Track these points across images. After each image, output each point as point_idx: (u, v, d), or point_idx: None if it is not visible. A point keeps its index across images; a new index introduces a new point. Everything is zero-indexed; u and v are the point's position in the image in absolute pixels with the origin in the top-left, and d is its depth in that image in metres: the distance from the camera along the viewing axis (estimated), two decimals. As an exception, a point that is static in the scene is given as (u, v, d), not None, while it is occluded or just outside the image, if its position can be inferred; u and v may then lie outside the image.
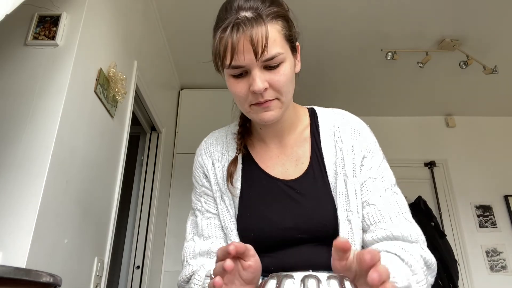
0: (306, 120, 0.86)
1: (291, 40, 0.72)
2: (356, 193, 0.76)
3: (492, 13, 2.51)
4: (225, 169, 0.83)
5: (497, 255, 3.29)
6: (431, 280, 0.68)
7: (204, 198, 0.85)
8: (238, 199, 0.80)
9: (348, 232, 0.74)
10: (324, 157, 0.80)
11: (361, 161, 0.79)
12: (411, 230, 0.72)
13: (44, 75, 1.35)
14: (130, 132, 2.03)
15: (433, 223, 3.08)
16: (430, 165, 3.64)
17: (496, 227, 3.38)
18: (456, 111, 3.78)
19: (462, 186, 3.54)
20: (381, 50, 2.83)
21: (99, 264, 1.61)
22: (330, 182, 0.78)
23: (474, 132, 3.75)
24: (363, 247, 0.77)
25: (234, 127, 0.90)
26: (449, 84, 3.33)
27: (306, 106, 0.90)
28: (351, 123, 0.84)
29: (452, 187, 3.55)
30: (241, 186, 0.81)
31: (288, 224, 0.75)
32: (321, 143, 0.81)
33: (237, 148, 0.84)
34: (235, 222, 0.79)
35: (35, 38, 1.40)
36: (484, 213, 3.43)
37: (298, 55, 0.78)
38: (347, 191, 0.76)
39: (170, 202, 2.98)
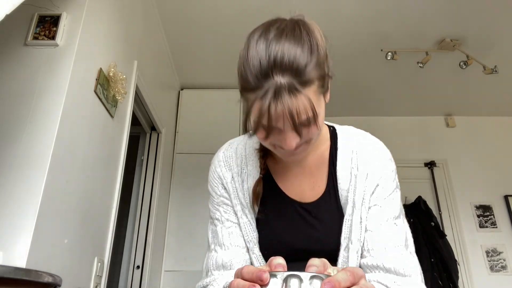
0: (327, 140, 0.84)
1: (325, 89, 0.69)
2: (361, 222, 0.76)
3: (492, 13, 2.51)
4: (245, 184, 0.83)
5: (497, 255, 3.29)
6: None
7: (223, 207, 0.85)
8: (256, 215, 0.82)
9: (345, 259, 0.75)
10: (339, 183, 0.80)
11: (374, 188, 0.78)
12: (404, 263, 0.71)
13: (44, 75, 1.35)
14: (130, 132, 2.03)
15: (433, 223, 3.08)
16: (430, 165, 3.64)
17: (496, 227, 3.38)
18: (456, 111, 3.79)
19: (462, 186, 3.54)
20: (381, 50, 2.83)
21: (99, 264, 1.61)
22: (342, 209, 0.79)
23: (474, 132, 3.75)
24: None
25: (254, 140, 0.88)
26: (449, 84, 3.33)
27: (327, 123, 0.88)
28: (370, 149, 0.81)
29: (452, 187, 3.55)
30: (260, 204, 0.83)
31: (300, 246, 0.77)
32: (337, 168, 0.81)
33: (260, 168, 0.83)
34: (257, 235, 0.81)
35: (35, 38, 1.40)
36: (484, 213, 3.43)
37: (329, 89, 0.74)
38: (352, 219, 0.76)
39: (170, 202, 2.98)
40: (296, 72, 0.59)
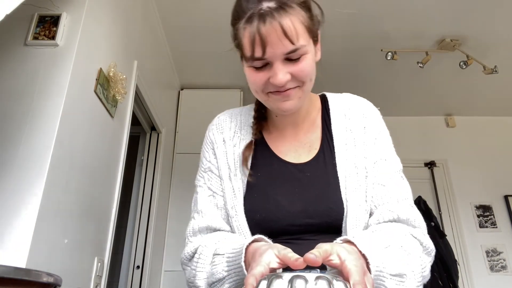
0: (318, 106, 0.87)
1: (313, 30, 0.71)
2: (367, 175, 0.75)
3: (492, 13, 2.51)
4: (236, 148, 0.83)
5: (497, 255, 3.29)
6: (429, 265, 0.69)
7: (208, 174, 0.84)
8: (246, 180, 0.79)
9: (357, 214, 0.72)
10: (334, 140, 0.80)
11: (373, 141, 0.80)
12: (415, 215, 0.73)
13: (44, 75, 1.35)
14: (130, 132, 2.03)
15: (433, 223, 3.08)
16: (430, 165, 3.64)
17: (496, 227, 3.38)
18: (456, 111, 3.78)
19: (462, 186, 3.54)
20: (381, 50, 2.83)
21: (99, 264, 1.61)
22: (339, 165, 0.77)
23: (474, 132, 3.75)
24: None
25: (250, 108, 0.89)
26: (449, 84, 3.33)
27: (318, 94, 0.90)
28: (362, 105, 0.85)
29: (452, 187, 3.55)
30: (251, 168, 0.80)
31: (296, 208, 0.73)
32: (332, 126, 0.82)
33: (252, 133, 0.83)
34: (241, 203, 0.77)
35: (35, 38, 1.40)
36: (484, 213, 3.43)
37: (319, 44, 0.77)
38: (357, 173, 0.75)
39: (170, 202, 2.98)
40: (282, 1, 0.66)
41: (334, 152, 0.78)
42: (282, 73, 0.67)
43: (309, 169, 0.78)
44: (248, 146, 0.81)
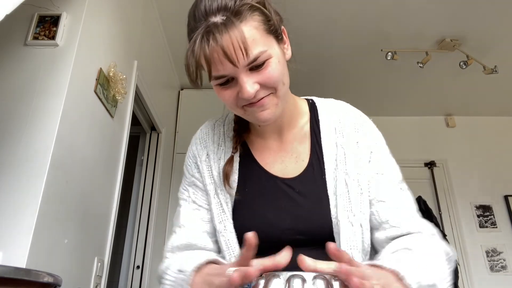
0: (306, 113, 0.82)
1: (273, 30, 0.66)
2: (361, 192, 0.72)
3: (492, 13, 2.51)
4: (221, 161, 0.79)
5: (497, 255, 3.29)
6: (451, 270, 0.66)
7: (192, 188, 0.81)
8: (233, 196, 0.76)
9: (350, 235, 0.70)
10: (324, 155, 0.76)
11: (369, 156, 0.76)
12: (425, 225, 0.70)
13: (44, 75, 1.35)
14: (130, 132, 2.03)
15: (433, 223, 3.07)
16: (430, 165, 3.64)
17: (496, 227, 3.38)
18: (456, 111, 3.79)
19: (462, 186, 3.54)
20: (381, 50, 2.83)
21: (99, 264, 1.61)
22: (328, 182, 0.74)
23: (474, 132, 3.75)
24: (373, 247, 0.74)
25: (233, 116, 0.85)
26: (449, 84, 3.33)
27: (305, 98, 0.86)
28: (354, 117, 0.81)
29: (452, 187, 3.55)
30: (238, 183, 0.77)
31: (286, 225, 0.71)
32: (322, 140, 0.78)
33: (233, 147, 0.80)
34: (230, 217, 0.75)
35: (35, 38, 1.40)
36: (484, 213, 3.43)
37: (287, 41, 0.72)
38: (348, 191, 0.72)
39: (170, 202, 2.98)
40: (226, 8, 0.62)
41: (324, 168, 0.75)
42: (248, 85, 0.63)
43: (297, 185, 0.75)
44: (228, 162, 0.78)
